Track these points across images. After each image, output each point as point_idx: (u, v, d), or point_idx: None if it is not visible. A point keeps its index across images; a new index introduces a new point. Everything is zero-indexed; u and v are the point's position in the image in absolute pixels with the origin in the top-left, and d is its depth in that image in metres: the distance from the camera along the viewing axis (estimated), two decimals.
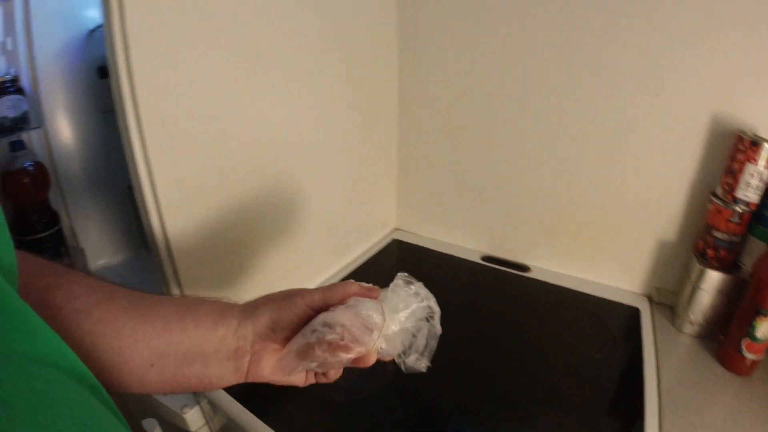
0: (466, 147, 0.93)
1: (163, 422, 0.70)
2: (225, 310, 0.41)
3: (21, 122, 0.86)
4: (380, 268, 0.96)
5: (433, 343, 0.42)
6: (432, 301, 0.43)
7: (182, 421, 0.69)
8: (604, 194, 0.79)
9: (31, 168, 0.88)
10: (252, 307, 0.42)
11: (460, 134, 0.92)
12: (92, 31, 0.95)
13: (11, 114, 0.84)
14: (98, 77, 0.95)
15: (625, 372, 0.66)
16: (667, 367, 0.65)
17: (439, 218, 1.04)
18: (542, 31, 0.76)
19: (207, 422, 0.71)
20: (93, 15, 0.96)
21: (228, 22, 0.60)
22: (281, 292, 0.43)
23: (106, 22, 0.50)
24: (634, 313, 0.76)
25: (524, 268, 0.91)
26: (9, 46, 0.89)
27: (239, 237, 0.70)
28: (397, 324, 0.40)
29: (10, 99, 0.84)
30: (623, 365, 0.67)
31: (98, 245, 1.06)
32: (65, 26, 0.93)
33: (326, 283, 0.83)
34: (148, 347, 0.36)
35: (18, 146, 0.87)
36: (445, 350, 0.67)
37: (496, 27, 0.81)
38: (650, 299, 0.80)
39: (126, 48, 0.50)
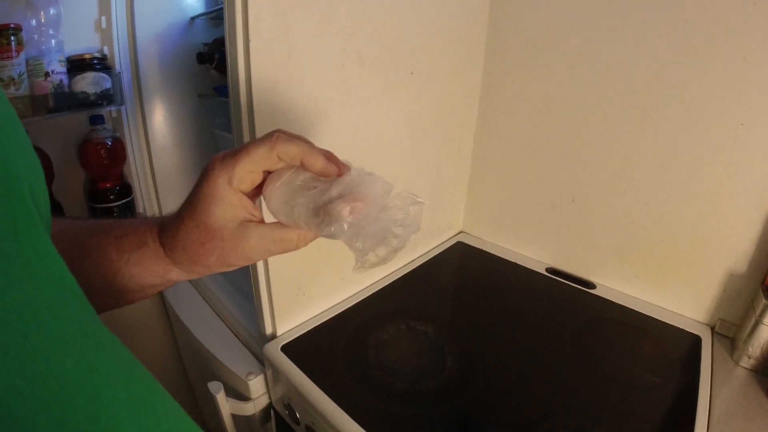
0: (542, 158, 1.02)
1: (227, 386, 0.83)
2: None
3: (102, 99, 0.99)
4: (443, 268, 1.08)
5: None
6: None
7: (245, 388, 0.83)
8: (680, 220, 0.85)
9: (108, 142, 1.03)
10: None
11: (537, 145, 1.02)
12: (193, 18, 1.11)
13: (91, 90, 0.97)
14: (197, 63, 1.10)
15: (678, 397, 0.72)
16: (719, 396, 0.71)
17: (506, 226, 1.14)
18: (632, 52, 0.83)
19: (267, 391, 0.85)
20: (193, 3, 1.13)
21: (335, 21, 0.72)
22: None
23: (228, 14, 0.61)
24: (695, 342, 0.83)
25: (590, 284, 0.99)
26: (103, 25, 1.02)
27: None
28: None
29: (92, 76, 0.96)
30: (677, 390, 0.73)
31: None
32: (167, 12, 1.08)
33: (396, 275, 1.01)
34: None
35: (97, 120, 1.01)
36: (500, 357, 0.80)
37: (585, 45, 0.89)
38: (713, 329, 0.86)
39: (246, 41, 0.62)
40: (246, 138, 0.68)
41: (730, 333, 0.85)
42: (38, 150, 0.94)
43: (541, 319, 0.91)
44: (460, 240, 1.19)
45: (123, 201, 1.08)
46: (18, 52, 0.83)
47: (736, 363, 0.79)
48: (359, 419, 0.65)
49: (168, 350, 1.37)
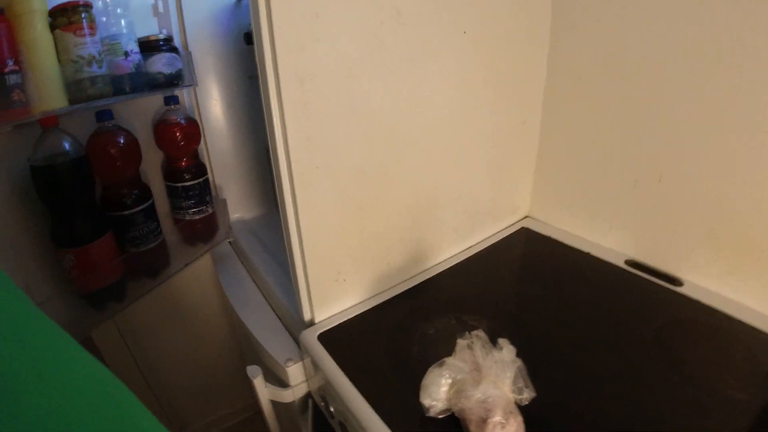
0: (621, 129, 0.87)
1: (268, 372, 0.80)
2: None
3: (176, 79, 0.98)
4: (504, 256, 0.96)
5: (525, 374, 0.58)
6: (506, 346, 0.59)
7: (284, 374, 0.78)
8: None
9: (183, 122, 1.02)
10: None
11: (615, 113, 0.87)
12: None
13: (166, 71, 0.96)
14: (245, 43, 1.06)
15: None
16: None
17: (580, 210, 0.99)
18: None
19: (307, 380, 0.79)
20: None
21: None
22: None
23: None
24: None
25: (676, 281, 0.83)
26: (161, 9, 1.02)
27: (366, 202, 0.75)
28: (508, 385, 0.56)
29: (166, 56, 0.96)
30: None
31: (235, 200, 1.22)
32: None
33: (449, 262, 0.92)
34: None
35: (173, 101, 1.01)
36: (567, 360, 0.70)
37: None
38: None
39: (268, 3, 0.56)
40: (275, 110, 0.62)
41: None
42: (125, 131, 0.93)
43: (617, 319, 0.78)
44: (526, 226, 1.06)
45: (198, 180, 1.07)
46: (92, 29, 0.82)
47: None
48: (391, 423, 0.58)
49: (225, 333, 1.38)
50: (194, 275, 1.23)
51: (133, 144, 0.94)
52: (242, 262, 1.13)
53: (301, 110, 0.63)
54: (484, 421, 0.52)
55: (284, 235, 0.73)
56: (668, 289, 0.82)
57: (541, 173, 1.05)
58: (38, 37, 0.75)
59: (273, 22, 0.57)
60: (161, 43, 0.97)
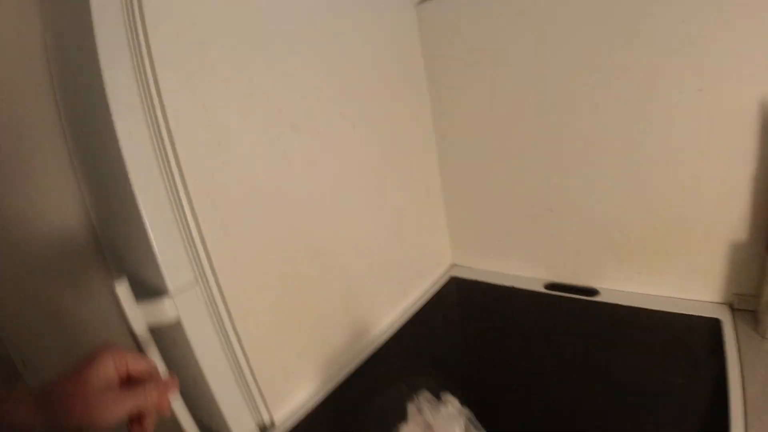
0: (510, 173, 0.96)
1: None
2: None
3: None
4: (440, 310, 1.01)
5: (474, 419, 0.61)
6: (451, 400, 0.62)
7: None
8: (664, 202, 0.79)
9: None
10: None
11: (502, 161, 0.96)
12: None
13: None
14: None
15: (708, 390, 0.64)
16: (752, 378, 0.63)
17: (495, 249, 1.07)
18: (572, 40, 0.80)
19: None
20: None
21: (260, 100, 0.69)
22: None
23: (150, 120, 0.58)
24: (714, 325, 0.75)
25: (592, 291, 0.91)
26: None
27: (299, 296, 0.77)
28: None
29: None
30: (706, 383, 0.65)
31: None
32: None
33: (389, 329, 0.93)
34: None
35: None
36: (516, 391, 0.73)
37: (522, 43, 0.85)
38: (731, 307, 0.78)
39: (170, 134, 0.58)
40: (195, 235, 0.63)
41: (750, 306, 0.77)
42: None
43: (549, 341, 0.84)
44: (453, 275, 1.11)
45: None
46: None
47: (763, 336, 0.71)
48: None
49: None
50: None
51: None
52: None
53: (220, 230, 0.65)
54: None
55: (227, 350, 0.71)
56: (587, 300, 0.90)
57: (455, 226, 1.12)
58: None
59: (180, 159, 0.59)
60: None
